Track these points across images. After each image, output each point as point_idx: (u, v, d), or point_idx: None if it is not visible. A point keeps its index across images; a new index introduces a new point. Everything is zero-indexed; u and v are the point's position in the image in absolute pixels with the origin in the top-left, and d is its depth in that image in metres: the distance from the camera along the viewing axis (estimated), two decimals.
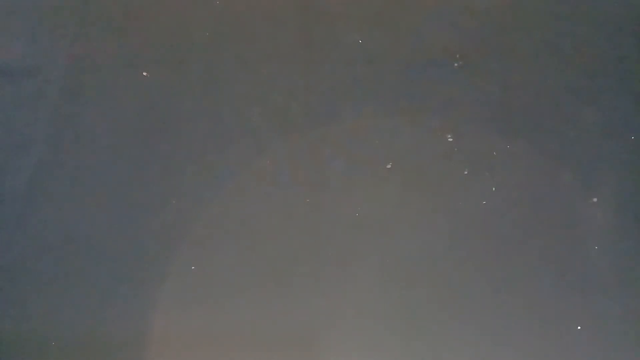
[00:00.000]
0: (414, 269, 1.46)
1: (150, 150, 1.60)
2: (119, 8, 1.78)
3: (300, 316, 1.42)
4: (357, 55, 1.70)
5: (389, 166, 1.57)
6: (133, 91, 1.67)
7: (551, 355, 1.38)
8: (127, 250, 1.49)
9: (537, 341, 1.39)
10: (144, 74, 1.69)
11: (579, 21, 1.72)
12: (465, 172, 1.55)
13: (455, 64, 1.68)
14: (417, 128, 1.61)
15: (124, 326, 1.41)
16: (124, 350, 1.39)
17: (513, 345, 1.39)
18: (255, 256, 1.48)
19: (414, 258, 1.47)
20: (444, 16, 1.74)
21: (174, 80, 1.68)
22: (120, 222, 1.52)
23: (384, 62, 1.69)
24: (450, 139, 1.59)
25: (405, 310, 1.42)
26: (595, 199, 1.52)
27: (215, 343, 1.40)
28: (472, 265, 1.46)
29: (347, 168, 1.57)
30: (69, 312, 1.43)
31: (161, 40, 1.73)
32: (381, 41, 1.72)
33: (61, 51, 1.72)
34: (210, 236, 1.50)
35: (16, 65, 1.71)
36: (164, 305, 1.43)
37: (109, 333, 1.41)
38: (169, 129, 1.62)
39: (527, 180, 1.54)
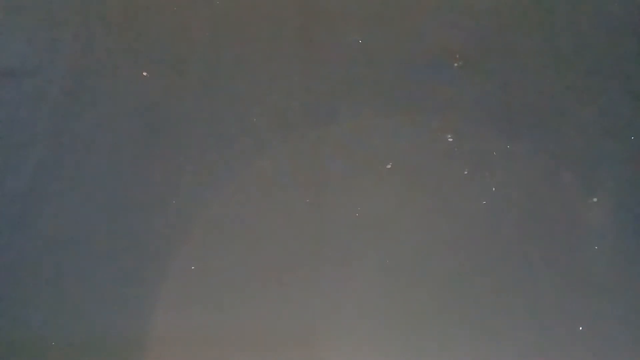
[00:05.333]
0: (414, 269, 1.46)
1: (150, 150, 1.60)
2: (119, 8, 1.78)
3: (300, 316, 1.42)
4: (357, 55, 1.70)
5: (389, 166, 1.57)
6: (133, 91, 1.67)
7: (552, 356, 1.38)
8: (127, 250, 1.49)
9: (538, 341, 1.39)
10: (144, 74, 1.69)
11: (579, 21, 1.72)
12: (465, 172, 1.55)
13: (455, 64, 1.68)
14: (417, 128, 1.61)
15: (124, 326, 1.41)
16: (124, 350, 1.39)
17: (514, 346, 1.39)
18: (255, 256, 1.48)
19: (414, 258, 1.47)
20: (444, 16, 1.74)
21: (174, 80, 1.68)
22: (120, 222, 1.52)
23: (384, 62, 1.69)
24: (450, 139, 1.59)
25: (405, 310, 1.42)
26: (595, 199, 1.52)
27: (215, 343, 1.40)
28: (472, 265, 1.46)
29: (347, 168, 1.57)
30: (69, 312, 1.43)
31: (161, 40, 1.73)
32: (381, 41, 1.72)
33: (61, 51, 1.72)
34: (210, 236, 1.50)
35: (16, 65, 1.71)
36: (164, 305, 1.43)
37: (109, 333, 1.41)
38: (169, 129, 1.62)
39: (527, 180, 1.54)
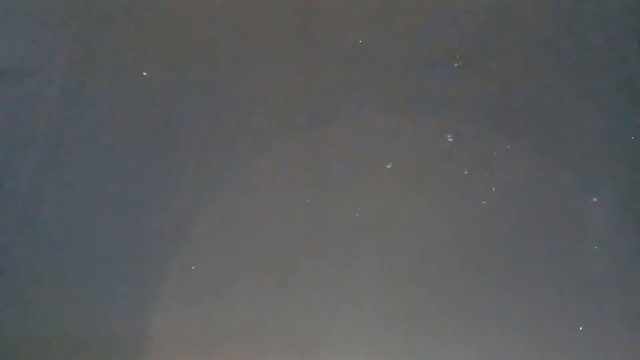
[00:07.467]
0: (414, 269, 1.46)
1: (151, 150, 1.60)
2: (119, 8, 1.78)
3: (300, 316, 1.42)
4: (357, 55, 1.70)
5: (389, 166, 1.57)
6: (133, 91, 1.67)
7: (552, 356, 1.38)
8: (127, 250, 1.49)
9: (538, 341, 1.39)
10: (144, 74, 1.69)
11: (579, 21, 1.72)
12: (465, 172, 1.55)
13: (455, 64, 1.68)
14: (417, 128, 1.61)
15: (124, 326, 1.41)
16: (124, 350, 1.39)
17: (514, 346, 1.39)
18: (255, 256, 1.48)
19: (414, 258, 1.47)
20: (444, 16, 1.74)
21: (174, 80, 1.68)
22: (120, 222, 1.52)
23: (384, 62, 1.69)
24: (450, 139, 1.59)
25: (405, 310, 1.42)
26: (595, 199, 1.52)
27: (215, 343, 1.40)
28: (472, 266, 1.46)
29: (347, 168, 1.57)
30: (69, 312, 1.43)
31: (161, 40, 1.73)
32: (381, 41, 1.72)
33: (61, 51, 1.72)
34: (210, 236, 1.50)
35: (16, 65, 1.71)
36: (164, 305, 1.43)
37: (109, 333, 1.41)
38: (169, 129, 1.62)
39: (527, 180, 1.54)
